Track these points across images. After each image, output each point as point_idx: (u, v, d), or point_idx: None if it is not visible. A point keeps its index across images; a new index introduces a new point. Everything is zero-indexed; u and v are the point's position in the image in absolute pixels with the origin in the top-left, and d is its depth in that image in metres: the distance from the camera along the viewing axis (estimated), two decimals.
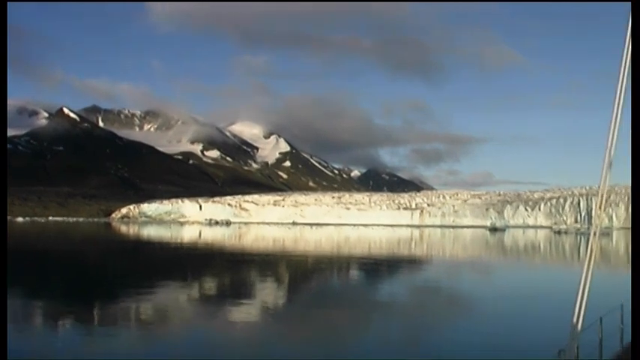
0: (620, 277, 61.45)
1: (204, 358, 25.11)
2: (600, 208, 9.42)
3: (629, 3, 8.80)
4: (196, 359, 25.03)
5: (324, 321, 35.64)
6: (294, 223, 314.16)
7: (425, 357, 25.32)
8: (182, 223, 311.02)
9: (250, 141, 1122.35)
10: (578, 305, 8.69)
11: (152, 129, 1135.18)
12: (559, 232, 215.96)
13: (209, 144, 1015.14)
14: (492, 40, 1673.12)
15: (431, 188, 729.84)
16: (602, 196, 9.08)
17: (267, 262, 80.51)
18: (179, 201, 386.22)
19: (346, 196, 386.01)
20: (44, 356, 25.30)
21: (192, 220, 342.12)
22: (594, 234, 8.98)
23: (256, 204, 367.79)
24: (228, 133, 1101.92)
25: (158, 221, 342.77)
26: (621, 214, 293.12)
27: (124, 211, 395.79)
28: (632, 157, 4.82)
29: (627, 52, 8.99)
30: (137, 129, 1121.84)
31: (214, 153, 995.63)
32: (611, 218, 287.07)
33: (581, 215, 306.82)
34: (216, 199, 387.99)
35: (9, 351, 7.87)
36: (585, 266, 8.76)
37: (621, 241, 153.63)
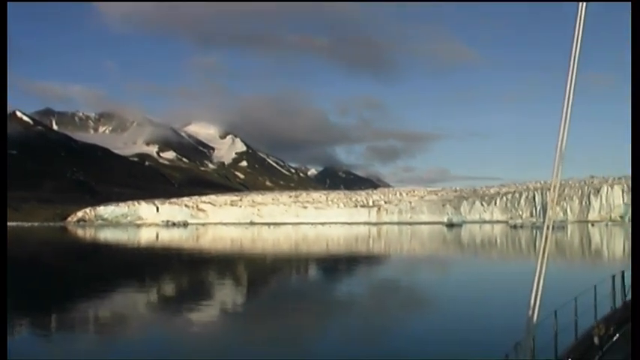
0: (575, 270, 62.40)
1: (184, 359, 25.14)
2: (553, 201, 9.60)
3: (629, 3, 8.99)
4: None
5: (283, 320, 35.66)
6: (251, 223, 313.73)
7: (385, 354, 25.47)
8: (139, 226, 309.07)
9: (206, 141, 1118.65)
10: (533, 299, 8.85)
11: (107, 131, 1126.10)
12: (515, 227, 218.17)
13: (165, 145, 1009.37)
14: (446, 37, 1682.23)
15: (387, 185, 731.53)
16: (554, 190, 9.25)
17: (225, 263, 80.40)
18: (135, 203, 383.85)
19: (303, 195, 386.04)
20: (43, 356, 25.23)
21: (149, 222, 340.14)
22: (548, 227, 9.16)
23: (213, 204, 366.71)
24: (183, 134, 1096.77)
25: (115, 224, 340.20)
26: (575, 208, 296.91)
27: (80, 214, 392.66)
28: (632, 155, 4.95)
29: (576, 49, 9.20)
30: (92, 131, 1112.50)
31: (170, 154, 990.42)
32: (565, 212, 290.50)
33: (536, 209, 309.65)
34: (173, 200, 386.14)
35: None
36: (539, 260, 8.92)
37: (576, 234, 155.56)
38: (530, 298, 8.89)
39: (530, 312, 8.91)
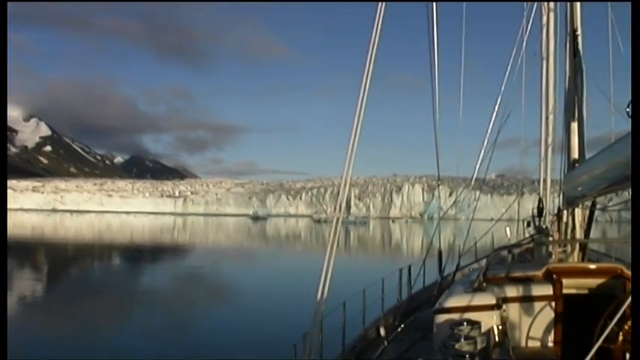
0: (371, 264, 64.24)
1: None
2: (344, 197, 9.89)
3: (628, 3, 9.18)
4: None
5: (80, 314, 35.04)
6: (54, 210, 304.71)
7: (182, 349, 25.40)
8: None
9: (8, 123, 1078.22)
10: (320, 290, 9.05)
11: None
12: (319, 221, 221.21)
13: None
14: (262, 31, 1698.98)
15: (195, 176, 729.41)
16: (345, 185, 9.52)
17: (23, 252, 77.79)
18: None
19: (109, 183, 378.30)
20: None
21: None
22: (335, 222, 9.43)
23: (14, 190, 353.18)
24: None
25: None
26: (378, 204, 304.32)
27: None
28: (633, 154, 5.09)
29: (373, 48, 9.48)
30: None
31: None
32: (368, 208, 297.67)
33: (341, 205, 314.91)
34: None
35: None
36: (327, 252, 9.15)
37: (377, 230, 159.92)
38: (318, 289, 9.08)
39: (317, 303, 9.09)
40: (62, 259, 70.18)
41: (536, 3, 19.17)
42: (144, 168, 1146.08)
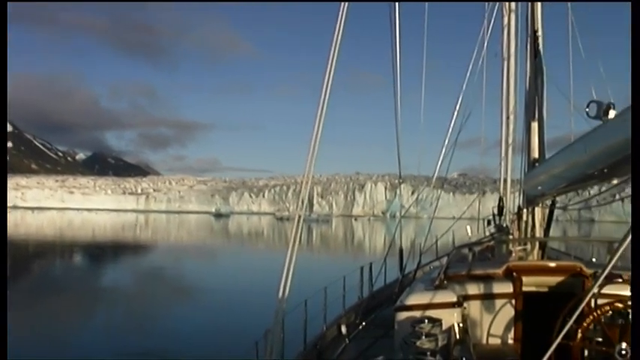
0: (333, 261, 64.33)
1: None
2: (306, 195, 9.97)
3: (587, 3, 9.24)
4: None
5: (39, 313, 34.79)
6: (14, 207, 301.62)
7: (143, 349, 25.29)
8: None
9: None
10: (282, 287, 9.07)
11: None
12: (281, 219, 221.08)
13: None
14: (226, 29, 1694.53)
15: (157, 173, 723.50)
16: (307, 183, 9.55)
17: None
18: None
19: (70, 180, 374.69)
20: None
21: None
22: (297, 220, 9.47)
23: None
24: None
25: None
26: (340, 202, 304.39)
27: None
28: (632, 152, 5.11)
29: (335, 47, 9.51)
30: None
31: None
32: (331, 206, 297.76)
33: (303, 203, 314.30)
34: None
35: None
36: (289, 250, 9.18)
37: (340, 228, 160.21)
38: (279, 287, 9.11)
39: (279, 301, 9.12)
40: (23, 257, 69.49)
41: (497, 3, 19.32)
42: (106, 165, 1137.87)
